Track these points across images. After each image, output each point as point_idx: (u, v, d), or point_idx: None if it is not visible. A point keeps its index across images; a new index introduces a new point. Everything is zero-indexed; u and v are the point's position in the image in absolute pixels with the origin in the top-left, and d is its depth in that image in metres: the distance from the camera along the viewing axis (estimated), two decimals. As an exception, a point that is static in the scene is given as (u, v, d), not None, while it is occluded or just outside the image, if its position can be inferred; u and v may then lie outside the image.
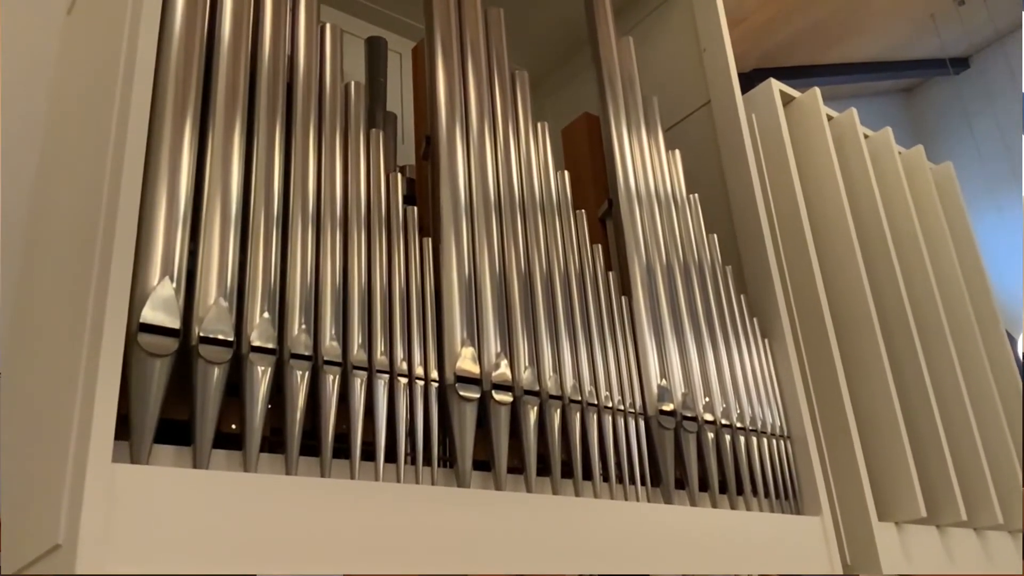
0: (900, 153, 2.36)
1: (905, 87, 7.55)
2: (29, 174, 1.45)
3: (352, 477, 1.00)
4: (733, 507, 1.46)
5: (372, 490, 1.00)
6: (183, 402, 0.93)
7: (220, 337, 0.94)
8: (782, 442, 1.60)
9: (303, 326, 1.02)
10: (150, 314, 0.90)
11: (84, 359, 0.86)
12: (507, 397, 1.18)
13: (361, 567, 0.95)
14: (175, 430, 0.93)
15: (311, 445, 1.00)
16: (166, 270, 0.93)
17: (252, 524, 0.88)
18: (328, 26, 1.25)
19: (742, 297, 1.70)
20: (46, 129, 1.47)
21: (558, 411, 1.25)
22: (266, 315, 0.99)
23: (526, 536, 1.12)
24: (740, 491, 1.49)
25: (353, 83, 1.24)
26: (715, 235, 1.74)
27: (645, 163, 1.69)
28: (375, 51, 1.86)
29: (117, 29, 1.06)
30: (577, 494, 1.23)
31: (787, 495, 1.56)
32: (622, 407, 1.35)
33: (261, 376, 0.96)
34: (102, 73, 1.11)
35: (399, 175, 1.22)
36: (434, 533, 1.03)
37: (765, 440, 1.56)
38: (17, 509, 0.97)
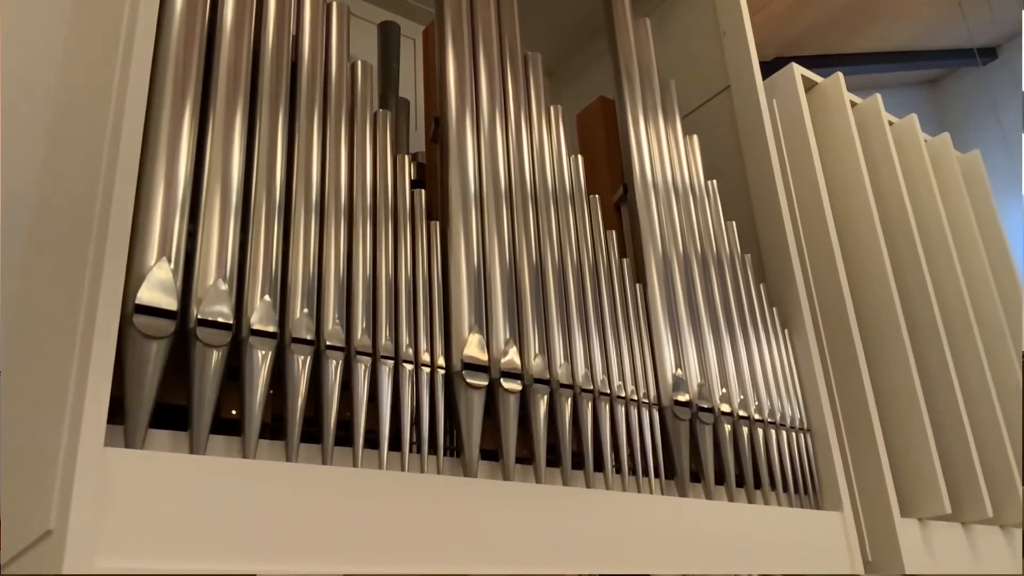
0: (926, 141, 2.30)
1: (930, 78, 7.41)
2: (37, 160, 1.44)
3: (355, 465, 0.97)
4: (750, 501, 1.43)
5: (375, 479, 0.97)
6: (181, 386, 0.91)
7: (219, 320, 0.91)
8: (802, 435, 1.56)
9: (305, 310, 0.99)
10: (146, 295, 0.87)
11: (78, 341, 0.84)
12: (516, 385, 1.15)
13: (363, 557, 0.92)
14: (173, 415, 0.90)
15: (313, 432, 0.97)
16: (164, 251, 0.90)
17: (250, 511, 0.86)
18: (335, 5, 1.22)
19: (761, 286, 1.66)
20: (53, 114, 1.46)
21: (569, 400, 1.21)
22: (267, 298, 0.96)
23: (535, 529, 1.09)
24: (758, 485, 1.45)
25: (360, 63, 1.21)
26: (734, 223, 1.70)
27: (662, 149, 1.65)
28: (388, 36, 1.83)
29: (118, 8, 1.04)
30: (588, 486, 1.20)
31: (807, 489, 1.52)
32: (635, 397, 1.32)
33: (261, 360, 0.94)
34: (103, 54, 1.08)
35: (406, 157, 1.19)
36: (439, 524, 1.00)
37: (784, 433, 1.52)
38: (16, 495, 0.95)
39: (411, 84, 2.09)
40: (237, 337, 0.93)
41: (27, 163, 1.42)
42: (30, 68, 1.48)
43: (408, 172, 1.19)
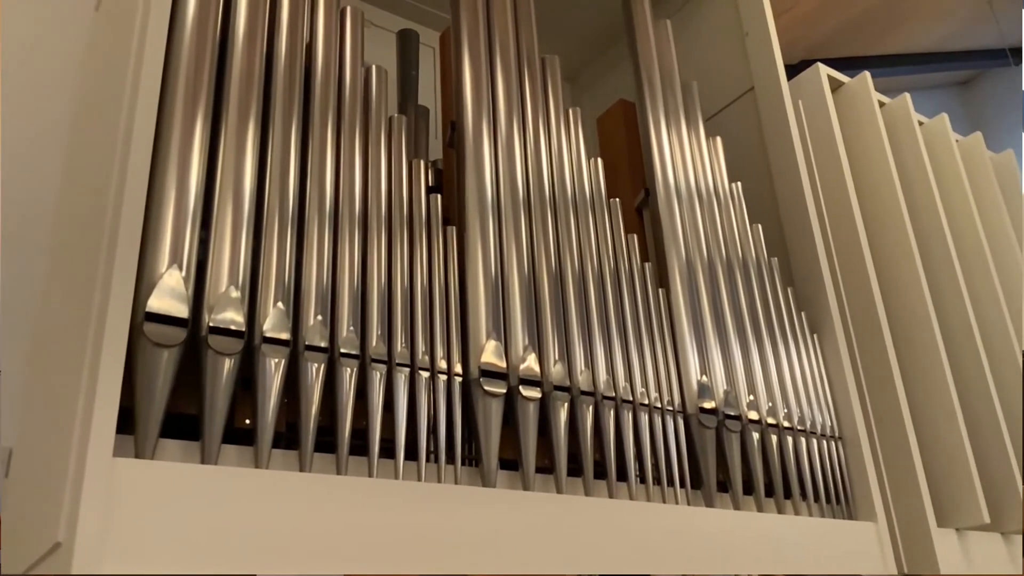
0: (957, 141, 2.24)
1: (961, 79, 7.29)
2: (57, 170, 1.44)
3: (370, 475, 0.95)
4: (780, 511, 1.38)
5: (392, 489, 0.95)
6: (192, 395, 0.89)
7: (231, 327, 0.90)
8: (833, 443, 1.52)
9: (319, 316, 0.97)
10: (157, 303, 0.86)
11: (88, 350, 0.82)
12: (535, 392, 1.13)
13: (378, 570, 0.90)
14: (184, 424, 0.89)
15: (327, 441, 0.95)
16: (175, 259, 0.89)
17: (262, 522, 0.84)
18: (348, 10, 1.21)
19: (789, 290, 1.62)
20: (73, 125, 1.46)
21: (590, 408, 1.18)
22: (280, 305, 0.95)
23: (556, 539, 1.06)
24: (788, 495, 1.41)
25: (374, 67, 1.19)
26: (759, 226, 1.66)
27: (684, 152, 1.61)
28: (406, 44, 1.82)
29: (130, 15, 1.04)
30: (611, 496, 1.17)
31: (839, 499, 1.48)
32: (659, 405, 1.28)
33: (274, 368, 0.92)
34: (116, 62, 1.08)
35: (422, 162, 1.18)
36: (457, 535, 0.98)
37: (815, 441, 1.48)
38: (24, 507, 0.94)
39: (431, 93, 2.08)
40: (249, 345, 0.92)
41: (49, 171, 1.42)
42: (52, 78, 1.49)
43: (425, 178, 1.17)
